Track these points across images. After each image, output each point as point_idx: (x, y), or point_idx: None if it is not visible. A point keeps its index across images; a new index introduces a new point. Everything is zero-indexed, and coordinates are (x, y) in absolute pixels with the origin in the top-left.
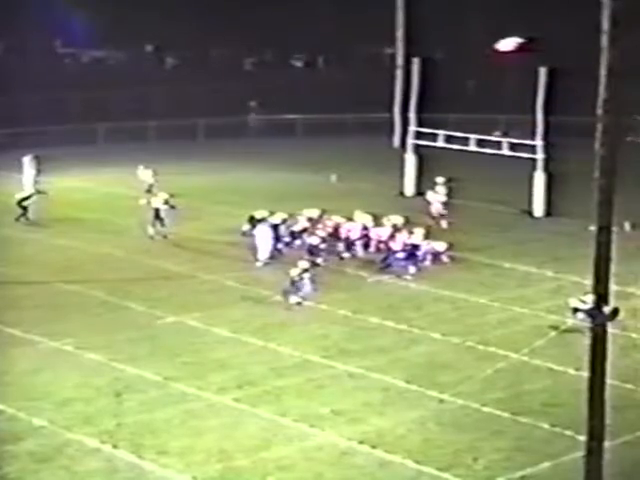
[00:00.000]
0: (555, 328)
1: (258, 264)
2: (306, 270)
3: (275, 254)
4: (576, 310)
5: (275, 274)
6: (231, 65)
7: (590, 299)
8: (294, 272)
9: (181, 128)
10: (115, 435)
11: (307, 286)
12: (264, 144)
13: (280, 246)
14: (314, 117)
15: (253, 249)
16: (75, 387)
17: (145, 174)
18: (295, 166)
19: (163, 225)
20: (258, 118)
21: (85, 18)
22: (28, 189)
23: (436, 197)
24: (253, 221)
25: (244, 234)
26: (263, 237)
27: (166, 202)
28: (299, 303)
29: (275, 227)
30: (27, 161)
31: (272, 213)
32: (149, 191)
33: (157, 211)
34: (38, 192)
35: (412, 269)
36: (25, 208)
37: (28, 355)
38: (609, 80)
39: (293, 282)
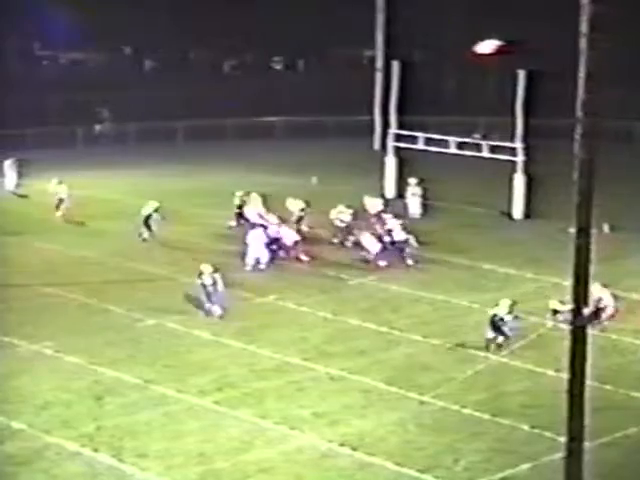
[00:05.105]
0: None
1: (247, 268)
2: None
3: (266, 258)
4: (556, 312)
5: (255, 277)
6: (210, 68)
7: (570, 301)
8: (207, 281)
9: (160, 131)
10: (95, 438)
11: (220, 291)
12: (244, 146)
13: (274, 248)
14: (294, 120)
15: (242, 252)
16: (54, 390)
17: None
18: (275, 168)
19: (151, 232)
20: (107, 126)
21: (64, 20)
22: (8, 192)
23: (414, 201)
24: (240, 212)
25: (230, 228)
26: (255, 241)
27: (156, 210)
28: (221, 317)
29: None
30: (8, 164)
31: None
32: None
33: (147, 218)
34: (19, 196)
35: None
36: None
37: (7, 358)
38: (588, 82)
39: (208, 294)
